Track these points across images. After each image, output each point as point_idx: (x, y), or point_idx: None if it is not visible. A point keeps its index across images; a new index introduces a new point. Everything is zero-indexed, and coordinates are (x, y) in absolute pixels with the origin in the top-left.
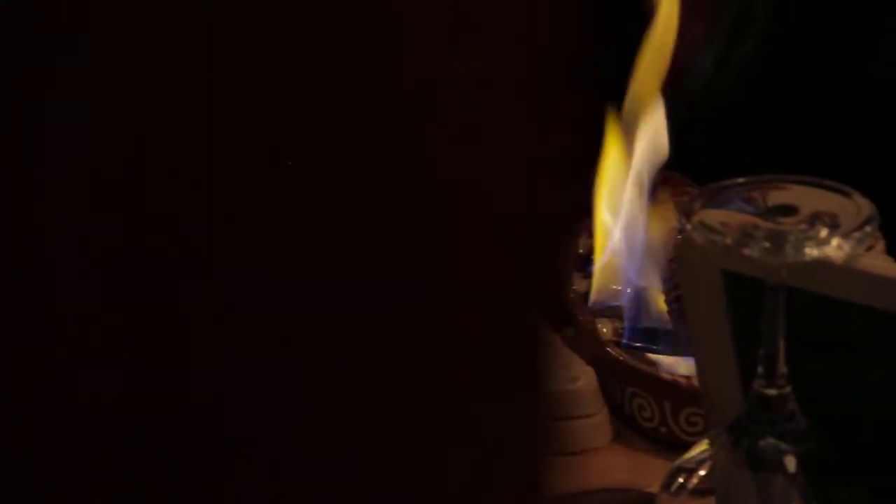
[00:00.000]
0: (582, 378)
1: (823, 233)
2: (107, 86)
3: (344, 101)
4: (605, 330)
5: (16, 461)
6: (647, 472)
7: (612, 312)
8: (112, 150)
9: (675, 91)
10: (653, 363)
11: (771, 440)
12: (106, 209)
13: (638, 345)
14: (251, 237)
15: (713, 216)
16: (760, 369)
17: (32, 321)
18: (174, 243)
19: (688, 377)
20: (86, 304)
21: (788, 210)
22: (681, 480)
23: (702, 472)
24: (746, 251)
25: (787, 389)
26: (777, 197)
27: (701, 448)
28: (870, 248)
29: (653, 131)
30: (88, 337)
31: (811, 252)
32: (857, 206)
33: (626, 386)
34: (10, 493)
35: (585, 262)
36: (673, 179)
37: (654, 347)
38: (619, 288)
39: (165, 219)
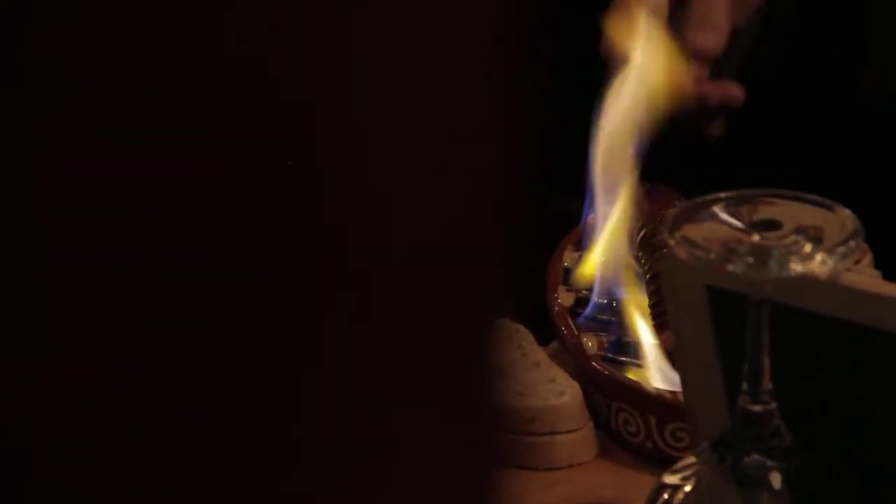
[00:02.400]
0: (567, 393)
1: (807, 248)
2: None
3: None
4: (590, 344)
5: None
6: (632, 487)
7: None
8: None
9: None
10: (638, 378)
11: (756, 456)
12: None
13: (623, 359)
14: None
15: (697, 231)
16: (745, 385)
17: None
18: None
19: (673, 392)
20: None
21: (772, 225)
22: (666, 496)
23: (687, 489)
24: (730, 266)
25: (772, 405)
26: (761, 212)
27: (686, 464)
28: (857, 262)
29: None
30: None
31: (795, 267)
32: (841, 221)
33: (611, 401)
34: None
35: (570, 275)
36: (660, 192)
37: (639, 362)
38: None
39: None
